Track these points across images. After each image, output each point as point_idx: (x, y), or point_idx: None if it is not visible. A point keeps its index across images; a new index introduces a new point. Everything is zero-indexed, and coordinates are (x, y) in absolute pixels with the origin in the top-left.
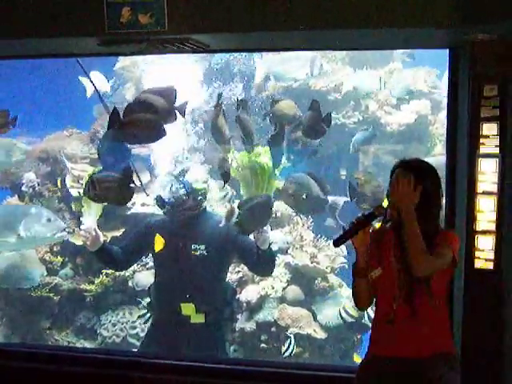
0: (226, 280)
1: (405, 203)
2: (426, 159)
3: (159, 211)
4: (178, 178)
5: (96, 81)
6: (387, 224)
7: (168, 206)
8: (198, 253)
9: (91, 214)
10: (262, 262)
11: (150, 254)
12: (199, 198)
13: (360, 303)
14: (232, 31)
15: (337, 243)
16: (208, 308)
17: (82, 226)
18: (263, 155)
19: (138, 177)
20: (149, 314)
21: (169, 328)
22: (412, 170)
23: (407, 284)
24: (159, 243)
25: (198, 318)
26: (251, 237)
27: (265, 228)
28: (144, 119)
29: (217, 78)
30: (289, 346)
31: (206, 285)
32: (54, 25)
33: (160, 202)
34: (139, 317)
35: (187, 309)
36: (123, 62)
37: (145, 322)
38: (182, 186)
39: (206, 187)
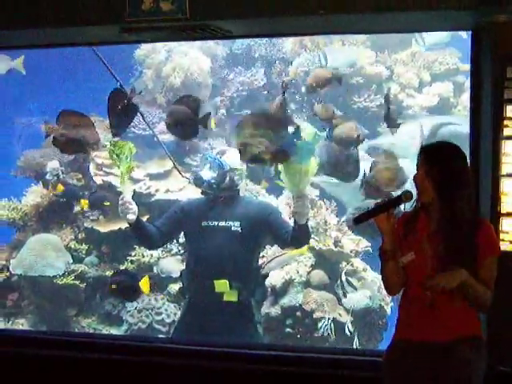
0: (259, 261)
1: (422, 199)
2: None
3: (182, 198)
4: (216, 158)
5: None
6: (419, 207)
7: (206, 184)
8: (232, 229)
9: (127, 190)
10: (297, 239)
11: (183, 233)
12: (236, 177)
13: (389, 288)
14: (253, 17)
15: (357, 221)
16: (241, 286)
17: (120, 200)
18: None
19: (173, 161)
20: None
21: (202, 309)
22: (426, 157)
23: (444, 269)
24: (145, 284)
25: (231, 296)
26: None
27: (304, 202)
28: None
29: (238, 63)
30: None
31: (240, 261)
32: (76, 13)
33: (199, 180)
34: None
35: (221, 285)
36: (144, 48)
37: None
38: (220, 164)
39: (243, 168)
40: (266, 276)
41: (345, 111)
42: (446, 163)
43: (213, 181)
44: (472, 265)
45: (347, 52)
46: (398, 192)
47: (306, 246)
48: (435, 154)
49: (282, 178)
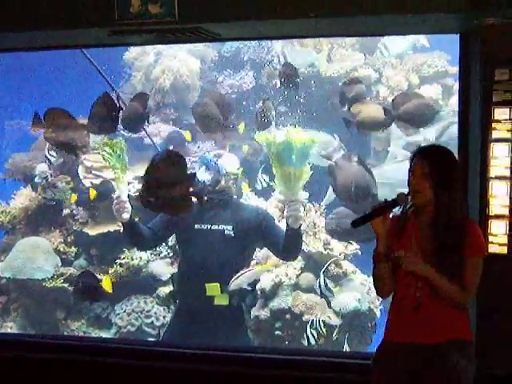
0: (256, 264)
1: (417, 200)
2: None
3: None
4: (212, 160)
5: None
6: (409, 210)
7: (201, 186)
8: (225, 232)
9: (123, 190)
10: (289, 244)
11: (174, 235)
12: (231, 181)
13: (380, 290)
14: (242, 20)
15: (355, 224)
16: (232, 290)
17: (115, 199)
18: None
19: None
20: None
21: (192, 312)
22: (426, 159)
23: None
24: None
25: (222, 300)
26: (276, 216)
27: (297, 206)
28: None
29: (227, 66)
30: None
31: (232, 265)
32: (64, 16)
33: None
34: None
35: (212, 289)
36: (133, 51)
37: None
38: (217, 167)
39: (238, 173)
40: (258, 280)
41: (333, 113)
42: (446, 165)
43: (208, 183)
44: (460, 264)
45: (305, 53)
46: None
47: (270, 262)
48: (435, 157)
49: (275, 181)
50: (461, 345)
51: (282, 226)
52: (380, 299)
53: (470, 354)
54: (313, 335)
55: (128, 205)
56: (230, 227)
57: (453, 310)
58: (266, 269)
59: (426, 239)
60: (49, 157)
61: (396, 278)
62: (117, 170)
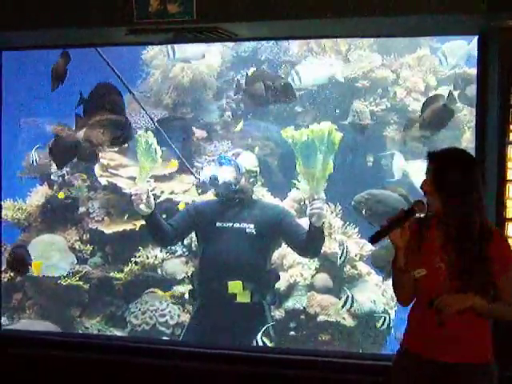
0: (272, 263)
1: (430, 208)
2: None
3: (186, 200)
4: (231, 160)
5: None
6: (430, 218)
7: (222, 185)
8: (246, 230)
9: (143, 177)
10: (311, 242)
11: (195, 234)
12: (251, 179)
13: (402, 299)
14: (260, 19)
15: (373, 240)
16: (254, 287)
17: (132, 190)
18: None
19: (186, 162)
20: None
21: (214, 310)
22: (432, 164)
23: (459, 289)
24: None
25: (244, 297)
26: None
27: (320, 204)
28: None
29: (244, 66)
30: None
31: (253, 263)
32: (83, 15)
33: (215, 182)
34: None
35: (234, 286)
36: (151, 49)
37: None
38: (236, 166)
39: (257, 170)
40: (278, 278)
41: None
42: (453, 169)
43: (229, 183)
44: (486, 277)
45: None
46: None
47: (173, 292)
48: (441, 161)
49: (299, 179)
50: (483, 368)
51: (303, 223)
52: (395, 300)
53: (493, 375)
54: (263, 342)
55: (150, 198)
56: (251, 225)
57: (477, 325)
58: (165, 297)
59: (450, 252)
60: (32, 156)
61: (418, 287)
62: (146, 160)
